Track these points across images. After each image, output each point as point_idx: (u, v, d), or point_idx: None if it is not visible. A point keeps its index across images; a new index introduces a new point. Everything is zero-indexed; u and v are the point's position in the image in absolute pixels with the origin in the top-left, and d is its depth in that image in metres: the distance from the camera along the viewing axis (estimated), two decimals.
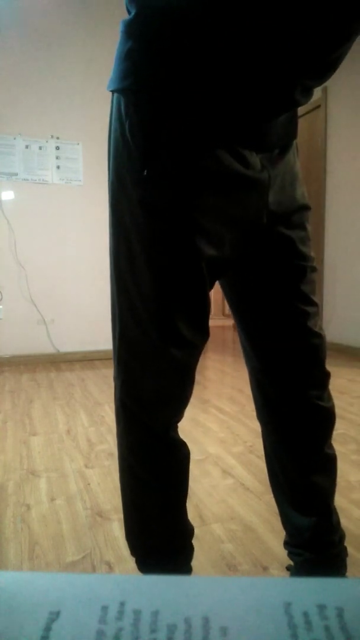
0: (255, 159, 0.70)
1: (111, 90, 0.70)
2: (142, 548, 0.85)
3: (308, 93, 0.69)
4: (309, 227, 0.80)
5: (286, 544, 0.92)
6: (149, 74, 0.65)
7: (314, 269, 0.80)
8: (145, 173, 0.66)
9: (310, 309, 0.79)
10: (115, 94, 0.70)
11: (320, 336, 0.81)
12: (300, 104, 0.69)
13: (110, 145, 0.72)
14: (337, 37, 0.61)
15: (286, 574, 0.95)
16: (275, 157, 0.73)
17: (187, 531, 0.86)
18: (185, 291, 0.71)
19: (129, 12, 0.66)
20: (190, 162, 0.66)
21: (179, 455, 0.82)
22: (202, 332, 0.75)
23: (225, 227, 0.70)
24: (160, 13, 0.63)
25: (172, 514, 0.84)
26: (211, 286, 0.75)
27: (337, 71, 0.68)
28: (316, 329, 0.81)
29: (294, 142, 0.78)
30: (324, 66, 0.65)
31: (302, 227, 0.78)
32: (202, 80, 0.63)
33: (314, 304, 0.80)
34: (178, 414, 0.80)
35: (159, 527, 0.82)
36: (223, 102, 0.65)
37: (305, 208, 0.79)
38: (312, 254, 0.80)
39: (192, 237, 0.68)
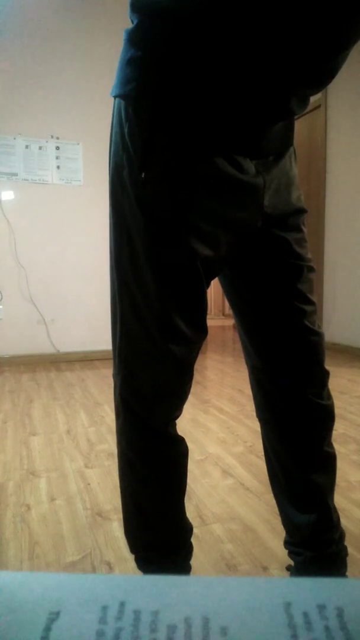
0: (250, 164, 0.71)
1: (113, 96, 0.73)
2: (141, 545, 0.85)
3: (304, 103, 0.71)
4: (306, 230, 0.82)
5: (286, 544, 0.92)
6: (148, 80, 0.67)
7: (311, 269, 0.81)
8: (142, 176, 0.68)
9: (307, 307, 0.80)
10: (117, 99, 0.72)
11: (318, 334, 0.82)
12: (295, 114, 0.71)
13: (111, 147, 0.74)
14: (335, 45, 0.62)
15: (286, 574, 0.95)
16: (270, 162, 0.74)
17: (186, 528, 0.87)
18: (183, 289, 0.72)
19: (132, 22, 0.68)
20: (186, 167, 0.68)
21: (177, 451, 0.83)
22: (200, 329, 0.76)
23: (221, 229, 0.72)
24: (161, 23, 0.65)
25: (170, 510, 0.84)
26: (207, 284, 0.76)
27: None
28: (314, 327, 0.81)
29: (291, 147, 0.79)
30: (321, 74, 0.67)
31: (298, 229, 0.80)
32: (200, 88, 0.65)
33: (311, 302, 0.81)
34: (177, 410, 0.81)
35: (157, 524, 0.83)
36: (219, 110, 0.66)
37: (301, 211, 0.80)
38: (310, 255, 0.81)
39: (188, 238, 0.70)
